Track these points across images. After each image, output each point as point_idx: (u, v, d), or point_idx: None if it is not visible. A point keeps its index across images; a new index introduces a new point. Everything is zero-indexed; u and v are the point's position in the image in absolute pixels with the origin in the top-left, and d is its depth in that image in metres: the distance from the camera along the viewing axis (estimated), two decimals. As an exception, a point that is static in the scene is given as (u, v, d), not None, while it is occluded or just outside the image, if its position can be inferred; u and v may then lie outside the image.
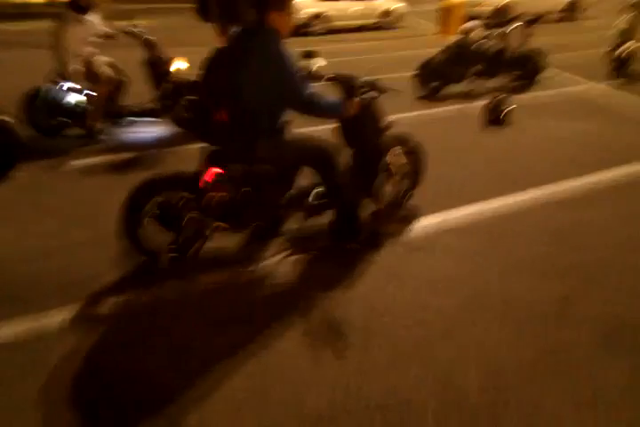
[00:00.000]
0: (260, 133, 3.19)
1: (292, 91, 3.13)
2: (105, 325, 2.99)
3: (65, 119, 5.89)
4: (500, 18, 14.80)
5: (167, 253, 3.44)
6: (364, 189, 3.86)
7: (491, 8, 15.73)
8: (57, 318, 3.00)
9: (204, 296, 3.20)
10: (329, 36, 15.29)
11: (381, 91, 3.64)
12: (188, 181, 3.35)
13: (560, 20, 17.67)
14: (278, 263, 3.50)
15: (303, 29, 15.34)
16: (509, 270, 3.36)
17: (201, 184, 3.31)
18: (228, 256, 3.61)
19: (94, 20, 5.92)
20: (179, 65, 6.05)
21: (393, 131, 3.90)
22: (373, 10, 17.32)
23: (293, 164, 3.53)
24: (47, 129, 5.96)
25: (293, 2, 3.28)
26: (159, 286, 3.28)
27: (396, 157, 3.94)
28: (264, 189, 3.44)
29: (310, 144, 3.45)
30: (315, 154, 3.43)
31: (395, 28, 17.36)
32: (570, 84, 8.70)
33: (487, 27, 8.66)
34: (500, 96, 6.55)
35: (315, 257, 3.57)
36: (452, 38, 8.78)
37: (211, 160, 3.33)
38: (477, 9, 16.02)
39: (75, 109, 5.85)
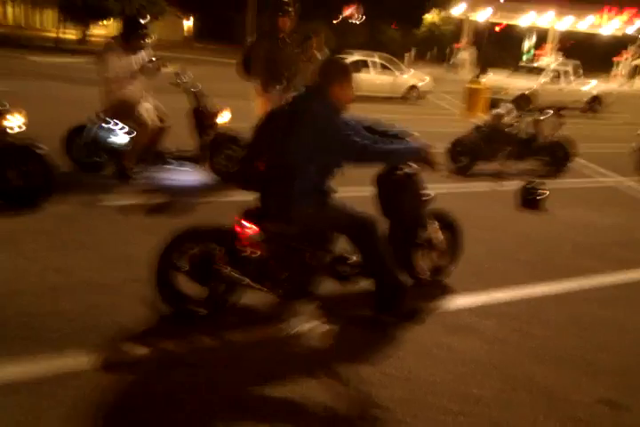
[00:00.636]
0: (297, 195, 3.19)
1: (346, 157, 3.21)
2: (131, 374, 2.88)
3: (104, 158, 5.93)
4: (524, 105, 15.37)
5: (197, 307, 3.38)
6: (398, 262, 3.76)
7: (511, 96, 16.69)
8: (78, 361, 2.90)
9: (235, 353, 3.11)
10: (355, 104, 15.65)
11: (428, 163, 3.57)
12: (224, 236, 3.34)
13: (585, 111, 18.13)
14: (311, 329, 3.40)
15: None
16: (544, 362, 3.27)
17: (236, 240, 3.30)
18: (259, 316, 3.54)
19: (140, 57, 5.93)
20: (224, 117, 6.15)
21: (431, 205, 3.89)
22: (400, 84, 17.84)
23: (329, 230, 3.50)
24: (86, 165, 6.02)
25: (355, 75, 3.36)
26: (188, 340, 3.18)
27: (434, 232, 3.92)
28: (299, 250, 3.42)
29: (349, 215, 3.39)
30: (353, 225, 3.38)
31: (418, 104, 17.79)
32: (596, 176, 8.82)
33: (520, 112, 8.88)
34: (536, 181, 6.61)
35: (348, 326, 3.48)
36: (482, 119, 8.94)
37: (247, 217, 3.33)
38: (501, 95, 16.61)
39: (117, 149, 5.89)
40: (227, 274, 3.28)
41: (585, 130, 12.65)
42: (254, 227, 3.27)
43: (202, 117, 6.08)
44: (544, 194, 6.58)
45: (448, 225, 4.04)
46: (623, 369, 3.28)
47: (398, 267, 3.66)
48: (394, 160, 3.47)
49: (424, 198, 3.77)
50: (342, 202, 3.39)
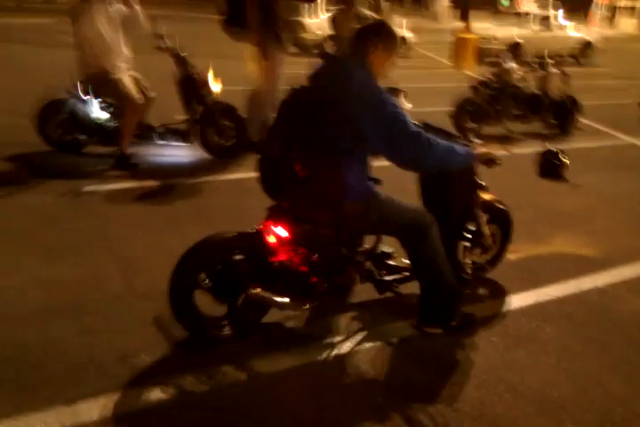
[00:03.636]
0: (347, 188, 2.56)
1: (392, 129, 2.49)
2: (158, 422, 2.32)
3: (85, 136, 5.23)
4: (515, 56, 14.69)
5: (220, 330, 2.83)
6: None
7: (503, 45, 15.97)
8: (87, 413, 2.31)
9: (270, 388, 2.55)
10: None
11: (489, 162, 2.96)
12: (249, 243, 2.75)
13: (578, 59, 17.44)
14: (351, 350, 2.87)
15: (316, 50, 15.16)
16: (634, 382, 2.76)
17: (264, 248, 2.72)
18: (289, 336, 2.98)
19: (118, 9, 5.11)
20: (214, 87, 5.46)
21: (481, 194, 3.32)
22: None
23: (378, 232, 2.97)
24: (63, 145, 5.31)
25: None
26: (214, 372, 2.62)
27: (483, 225, 3.38)
28: (340, 256, 2.86)
29: (403, 214, 2.82)
30: (407, 227, 2.83)
31: (408, 56, 16.94)
32: (604, 135, 8.24)
33: (527, 66, 8.22)
34: (555, 146, 6.05)
35: (395, 343, 2.95)
36: (483, 74, 8.25)
37: (275, 218, 2.73)
38: (488, 45, 15.93)
39: (100, 128, 5.20)
40: (255, 293, 2.71)
41: (578, 84, 12.06)
42: (285, 231, 2.69)
43: (191, 87, 5.37)
44: (566, 161, 6.04)
45: (498, 217, 3.50)
46: None
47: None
48: (452, 162, 2.73)
49: (477, 189, 3.23)
50: (391, 197, 2.79)
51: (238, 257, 2.75)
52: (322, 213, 2.64)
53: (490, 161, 2.88)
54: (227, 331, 2.83)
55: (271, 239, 2.70)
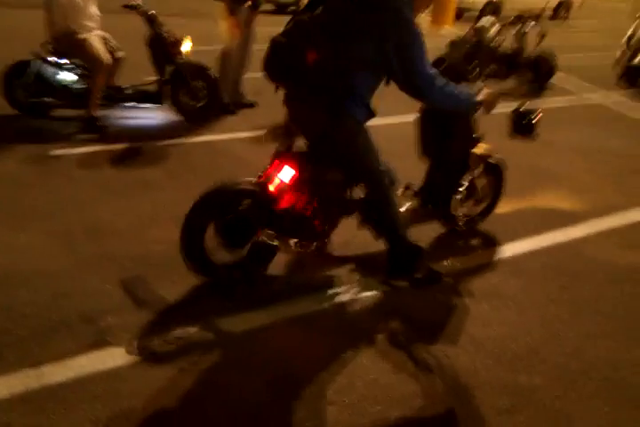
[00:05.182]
0: (350, 97, 2.60)
1: (411, 62, 2.53)
2: (124, 382, 2.34)
3: (53, 99, 5.13)
4: (493, 12, 14.52)
5: (231, 277, 2.96)
6: (435, 209, 3.47)
7: (483, 1, 15.76)
8: (51, 375, 2.33)
9: (239, 346, 2.59)
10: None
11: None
12: (253, 189, 2.82)
13: (552, 18, 17.33)
14: (321, 306, 2.91)
15: (291, 8, 14.89)
16: (606, 335, 2.84)
17: (267, 195, 2.81)
18: (256, 294, 3.01)
19: None
20: (184, 46, 5.36)
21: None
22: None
23: (353, 168, 2.89)
24: (30, 108, 5.21)
25: None
26: (181, 332, 2.64)
27: (478, 176, 3.50)
28: (336, 196, 2.97)
29: (379, 162, 2.80)
30: (378, 175, 2.83)
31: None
32: (581, 90, 8.28)
33: (502, 24, 8.13)
34: (529, 103, 6.04)
35: (363, 298, 3.00)
36: (455, 33, 8.19)
37: (280, 160, 2.82)
38: (467, 3, 15.76)
39: (68, 90, 5.09)
40: (263, 238, 2.84)
41: (556, 39, 11.94)
42: (289, 171, 2.78)
43: (161, 47, 5.26)
44: (538, 117, 6.04)
45: (492, 169, 3.59)
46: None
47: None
48: (454, 106, 2.81)
49: (475, 140, 3.35)
50: (374, 142, 2.79)
51: (245, 205, 2.83)
52: (319, 109, 2.65)
53: (491, 105, 2.97)
54: (237, 277, 2.97)
55: (272, 187, 2.79)
